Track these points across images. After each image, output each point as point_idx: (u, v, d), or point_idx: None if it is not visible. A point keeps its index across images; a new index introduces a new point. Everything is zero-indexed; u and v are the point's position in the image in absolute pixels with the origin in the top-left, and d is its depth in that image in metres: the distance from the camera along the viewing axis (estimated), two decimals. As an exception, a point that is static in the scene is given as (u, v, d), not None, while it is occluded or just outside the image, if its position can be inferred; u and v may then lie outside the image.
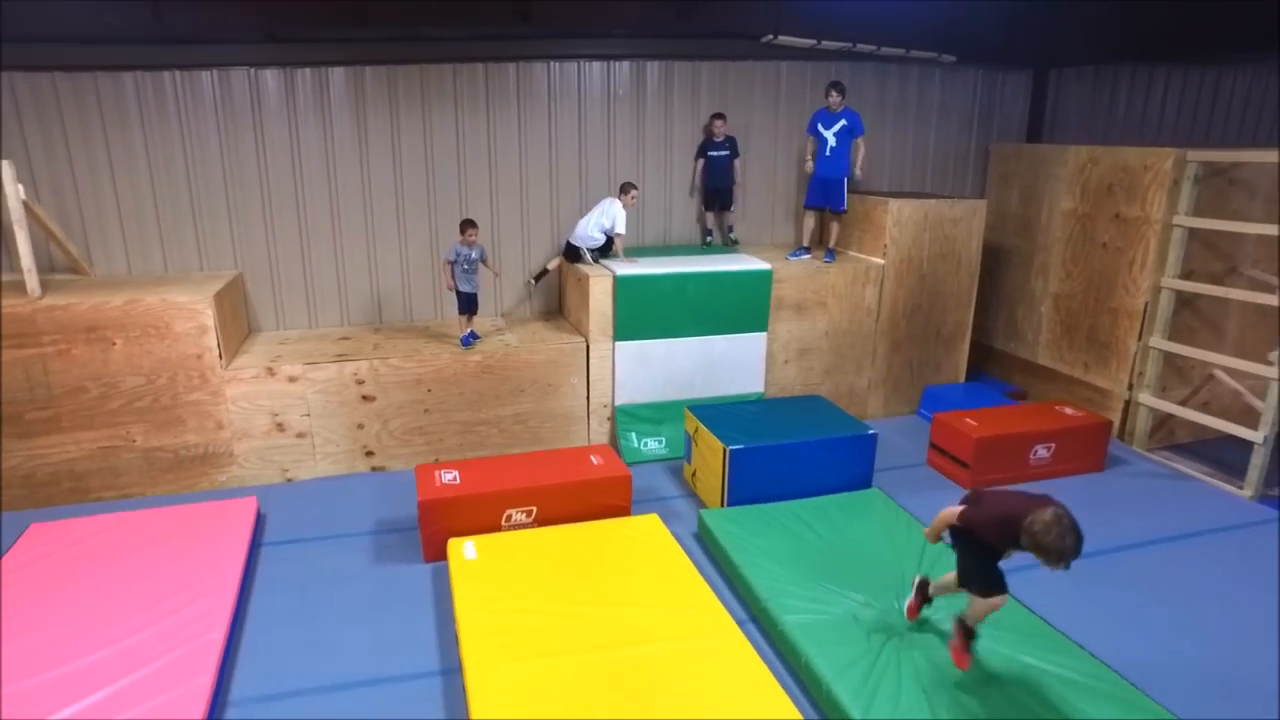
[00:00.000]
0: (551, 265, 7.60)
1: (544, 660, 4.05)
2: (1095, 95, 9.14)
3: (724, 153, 7.61)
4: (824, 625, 4.37)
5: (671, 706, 3.74)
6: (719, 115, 7.54)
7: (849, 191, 7.67)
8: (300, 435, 6.42)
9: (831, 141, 7.41)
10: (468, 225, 6.59)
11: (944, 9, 7.70)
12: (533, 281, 7.71)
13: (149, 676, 3.93)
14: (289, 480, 6.48)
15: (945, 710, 3.77)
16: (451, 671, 4.27)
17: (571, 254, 7.36)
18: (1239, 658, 4.43)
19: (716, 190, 7.82)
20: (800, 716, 3.71)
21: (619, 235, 7.15)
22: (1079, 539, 3.35)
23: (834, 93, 7.38)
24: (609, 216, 7.14)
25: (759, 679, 3.94)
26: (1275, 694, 4.13)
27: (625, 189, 7.22)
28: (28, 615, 4.42)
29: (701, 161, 7.73)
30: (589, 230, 7.20)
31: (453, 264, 6.66)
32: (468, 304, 6.78)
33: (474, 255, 6.67)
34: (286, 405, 6.34)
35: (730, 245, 7.99)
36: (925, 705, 3.78)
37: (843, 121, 7.38)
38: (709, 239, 8.16)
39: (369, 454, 6.60)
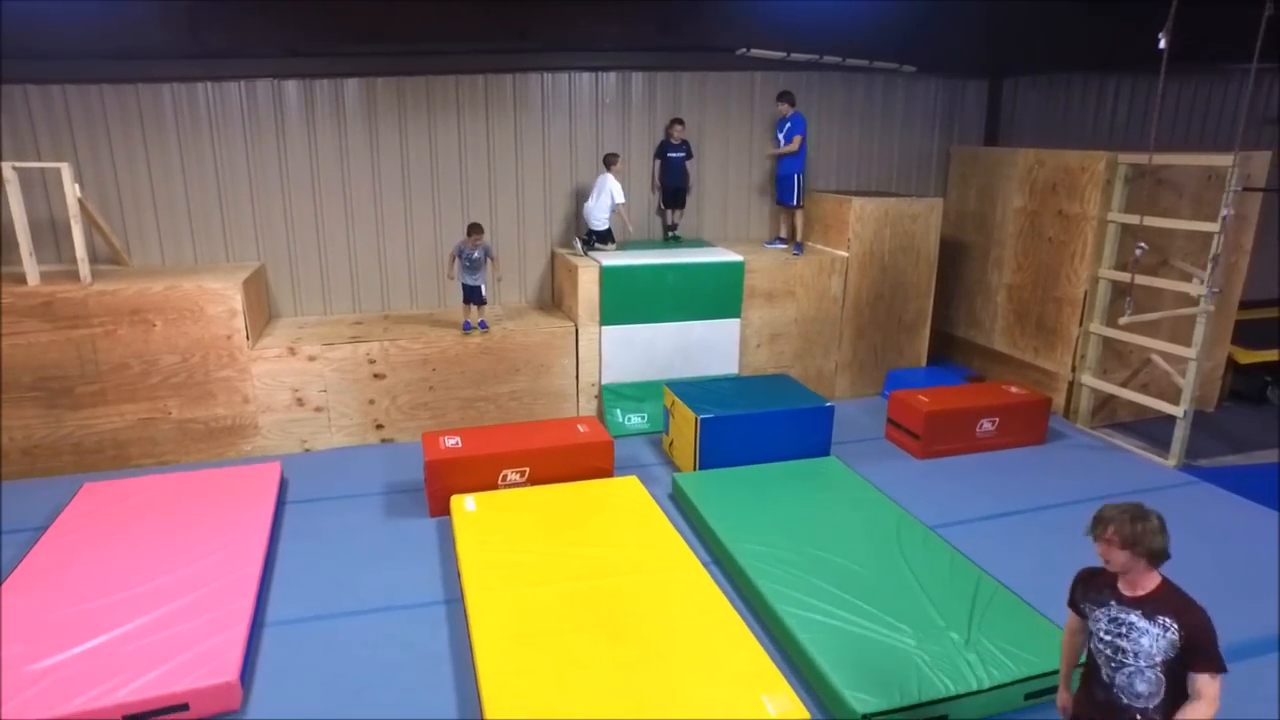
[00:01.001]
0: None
1: (533, 587, 4.78)
2: (1050, 101, 9.86)
3: (681, 155, 8.31)
4: (772, 562, 5.08)
5: (640, 621, 4.46)
6: (678, 120, 8.25)
7: (811, 189, 8.55)
8: (318, 409, 7.15)
9: (784, 144, 8.27)
10: (473, 229, 7.36)
11: (906, 20, 8.40)
12: (578, 242, 8.34)
13: (199, 599, 4.65)
14: (307, 450, 7.20)
15: (864, 618, 4.48)
16: (454, 601, 4.99)
17: (599, 236, 8.10)
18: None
19: (675, 190, 8.51)
20: (746, 628, 4.43)
21: (622, 204, 7.91)
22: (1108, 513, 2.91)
23: (781, 102, 8.24)
24: (607, 192, 7.90)
25: (715, 601, 4.66)
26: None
27: (610, 161, 7.96)
28: (91, 554, 5.15)
29: (659, 162, 8.42)
30: (597, 211, 7.97)
31: (456, 258, 7.41)
32: (470, 295, 7.50)
33: (475, 254, 7.39)
34: (306, 382, 7.06)
35: (673, 240, 8.67)
36: (851, 616, 4.50)
37: (789, 125, 8.20)
38: (671, 234, 8.81)
39: (379, 427, 7.32)
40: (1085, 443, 7.62)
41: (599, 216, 7.96)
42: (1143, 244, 6.63)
